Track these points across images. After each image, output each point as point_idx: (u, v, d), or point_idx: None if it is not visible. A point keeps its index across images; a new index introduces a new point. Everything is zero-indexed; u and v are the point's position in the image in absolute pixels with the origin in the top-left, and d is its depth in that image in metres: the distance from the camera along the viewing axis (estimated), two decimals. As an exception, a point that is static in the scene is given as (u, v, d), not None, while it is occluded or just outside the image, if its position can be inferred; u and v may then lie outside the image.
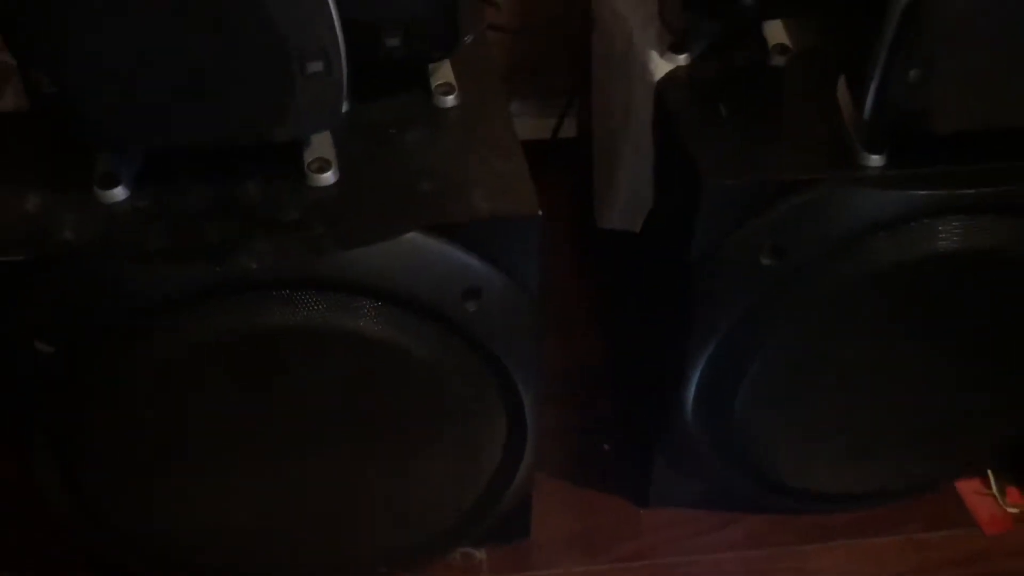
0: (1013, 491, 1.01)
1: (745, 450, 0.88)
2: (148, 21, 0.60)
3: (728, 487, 0.93)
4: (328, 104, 0.66)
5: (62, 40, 0.60)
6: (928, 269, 0.75)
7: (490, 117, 0.77)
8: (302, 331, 0.68)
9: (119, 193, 0.69)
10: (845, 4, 0.76)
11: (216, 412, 0.73)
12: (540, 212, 0.69)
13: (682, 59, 0.82)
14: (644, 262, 0.92)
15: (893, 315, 0.79)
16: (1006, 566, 0.96)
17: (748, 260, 0.75)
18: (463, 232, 0.69)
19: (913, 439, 0.90)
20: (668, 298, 0.83)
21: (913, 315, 0.80)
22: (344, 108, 0.68)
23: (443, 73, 0.78)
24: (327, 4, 0.61)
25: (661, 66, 0.82)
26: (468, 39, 0.79)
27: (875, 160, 0.73)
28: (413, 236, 0.68)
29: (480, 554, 0.94)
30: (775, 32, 0.82)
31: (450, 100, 0.77)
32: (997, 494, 1.00)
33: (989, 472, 1.01)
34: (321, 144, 0.71)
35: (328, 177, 0.70)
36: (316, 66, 0.63)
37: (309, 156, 0.70)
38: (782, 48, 0.81)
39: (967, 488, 1.01)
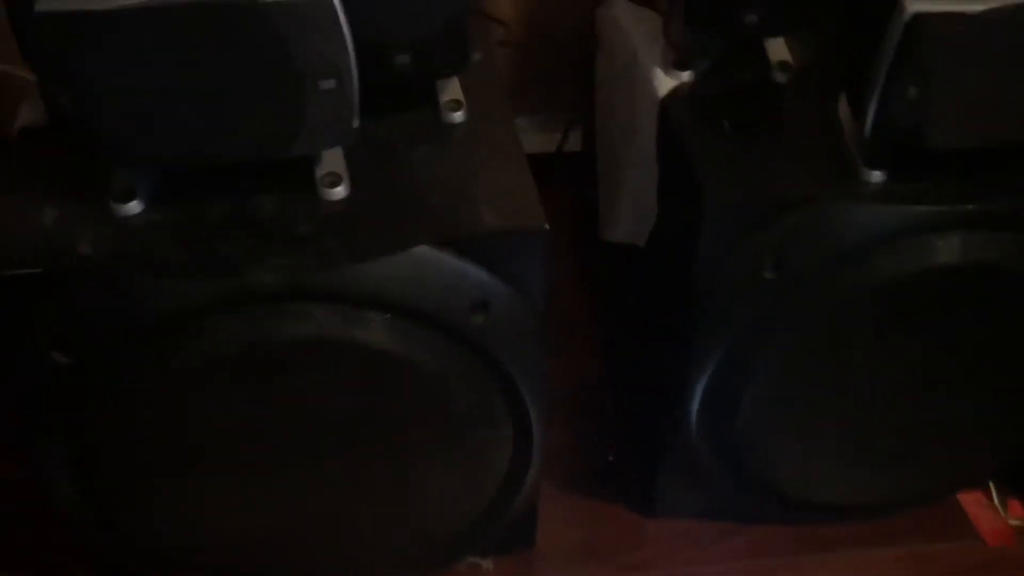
0: (1015, 503, 1.01)
1: (748, 461, 0.88)
2: (164, 41, 0.62)
3: (732, 498, 0.94)
4: (340, 121, 0.67)
5: (81, 58, 0.62)
6: (929, 283, 0.76)
7: (497, 133, 0.78)
8: (313, 343, 0.69)
9: (135, 207, 0.70)
10: (846, 22, 0.77)
11: (227, 421, 0.74)
12: (547, 226, 0.70)
13: (686, 76, 0.83)
14: (648, 275, 0.93)
15: (895, 329, 0.80)
16: (1007, 578, 0.97)
17: (751, 274, 0.75)
18: (471, 246, 0.70)
19: (915, 451, 0.91)
20: (672, 311, 0.84)
21: (914, 328, 0.80)
22: (355, 124, 0.69)
23: (451, 90, 0.79)
24: (340, 24, 0.63)
25: (665, 83, 0.83)
26: (476, 57, 0.80)
27: (876, 176, 0.74)
28: (422, 250, 0.68)
29: (487, 563, 0.94)
30: (777, 49, 0.83)
31: (458, 116, 0.78)
32: (999, 506, 1.00)
33: (991, 484, 1.01)
34: (332, 159, 0.72)
35: (339, 192, 0.71)
36: (328, 84, 0.64)
37: (321, 171, 0.71)
38: (784, 65, 0.82)
39: (969, 500, 1.01)
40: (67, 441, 0.74)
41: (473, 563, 0.94)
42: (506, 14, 1.17)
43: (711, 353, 0.81)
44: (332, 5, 0.62)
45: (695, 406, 0.85)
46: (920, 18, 0.66)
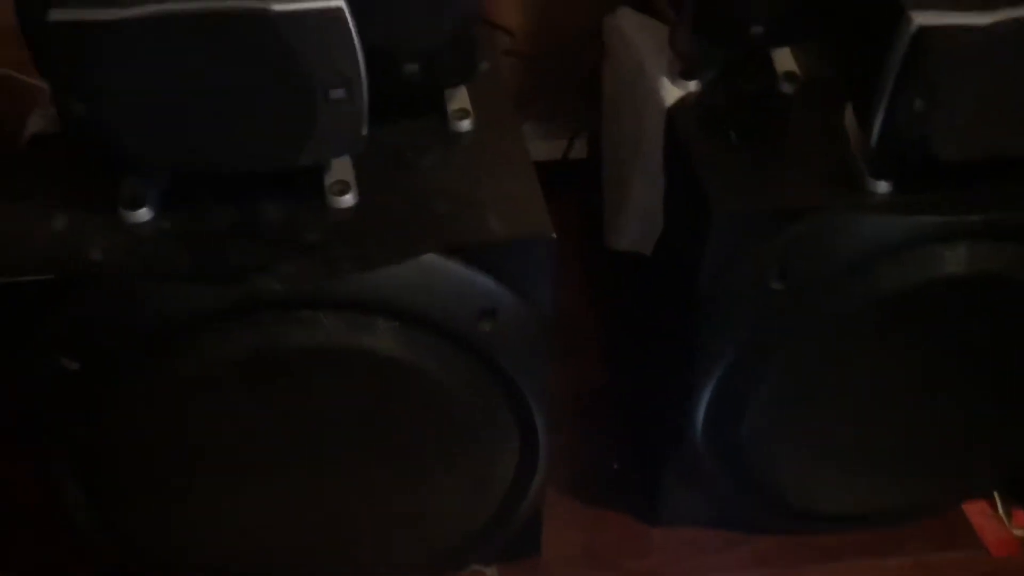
0: (1020, 514, 1.01)
1: (753, 470, 0.88)
2: (176, 50, 0.62)
3: (736, 507, 0.94)
4: (349, 129, 0.67)
5: (94, 67, 0.62)
6: (935, 294, 0.76)
7: (504, 141, 0.78)
8: (321, 350, 0.69)
9: (144, 214, 0.70)
10: (852, 33, 0.77)
11: (234, 427, 0.74)
12: (554, 235, 0.71)
13: (692, 86, 0.83)
14: (654, 283, 0.93)
15: (900, 339, 0.80)
16: (1012, 588, 0.97)
17: (757, 284, 0.75)
18: (479, 254, 0.70)
19: (919, 461, 0.91)
20: (678, 320, 0.84)
21: (919, 339, 0.80)
22: (364, 133, 0.69)
23: (459, 98, 0.80)
24: (350, 34, 0.63)
25: (671, 92, 0.83)
26: (484, 66, 0.81)
27: (882, 187, 0.74)
28: (430, 257, 0.69)
29: (491, 571, 0.94)
30: (784, 59, 0.84)
31: (465, 125, 0.79)
32: (1004, 516, 1.00)
33: (996, 494, 1.01)
34: (341, 167, 0.72)
35: (348, 200, 0.72)
36: (338, 93, 0.65)
37: (329, 179, 0.72)
38: (790, 75, 0.83)
39: (974, 510, 1.01)
40: (74, 445, 0.74)
41: (477, 571, 0.94)
42: (513, 23, 1.17)
43: (716, 361, 0.81)
44: (343, 16, 0.62)
45: (700, 414, 0.85)
46: (926, 31, 0.67)
